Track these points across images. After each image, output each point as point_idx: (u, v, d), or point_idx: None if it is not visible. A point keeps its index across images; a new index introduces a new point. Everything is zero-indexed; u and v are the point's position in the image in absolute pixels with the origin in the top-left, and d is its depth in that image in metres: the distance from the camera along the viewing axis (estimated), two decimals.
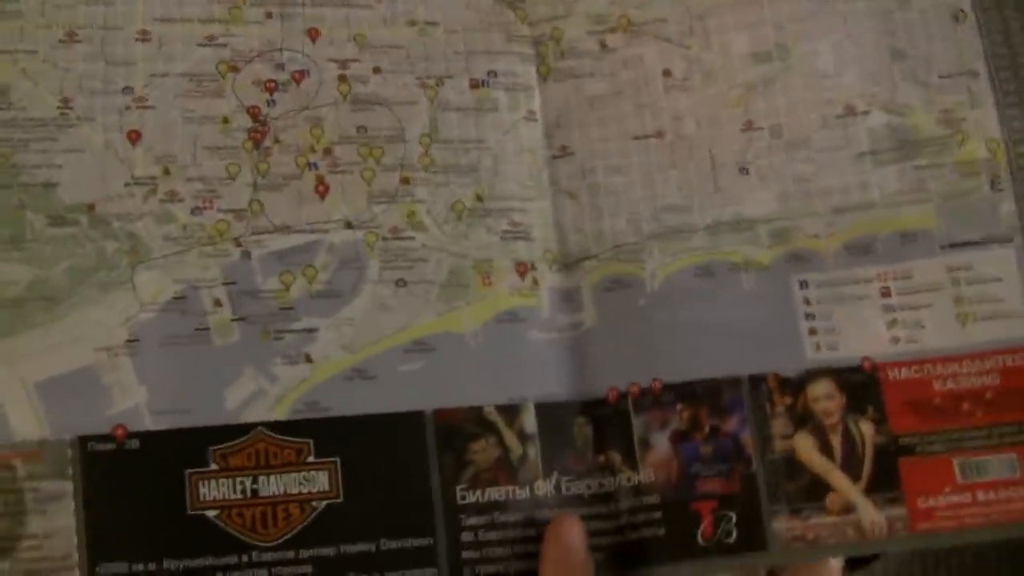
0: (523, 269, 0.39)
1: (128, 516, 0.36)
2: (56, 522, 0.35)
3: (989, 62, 0.41)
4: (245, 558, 0.36)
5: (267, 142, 0.40)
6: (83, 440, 0.36)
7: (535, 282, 0.39)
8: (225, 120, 0.39)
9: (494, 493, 0.37)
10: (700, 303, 0.39)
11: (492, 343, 0.38)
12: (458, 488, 0.37)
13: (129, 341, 0.37)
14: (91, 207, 0.38)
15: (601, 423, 0.39)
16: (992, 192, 0.40)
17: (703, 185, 0.40)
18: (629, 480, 0.38)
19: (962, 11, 0.41)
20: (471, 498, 0.37)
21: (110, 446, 0.36)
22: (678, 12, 0.42)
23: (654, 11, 0.42)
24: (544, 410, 0.38)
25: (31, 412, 0.36)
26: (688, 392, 0.38)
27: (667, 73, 0.41)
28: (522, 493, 0.38)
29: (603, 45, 0.42)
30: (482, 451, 0.38)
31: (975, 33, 0.41)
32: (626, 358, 0.39)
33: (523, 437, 0.38)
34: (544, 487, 0.38)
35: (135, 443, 0.36)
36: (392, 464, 0.37)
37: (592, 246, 0.40)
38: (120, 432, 0.36)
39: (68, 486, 0.36)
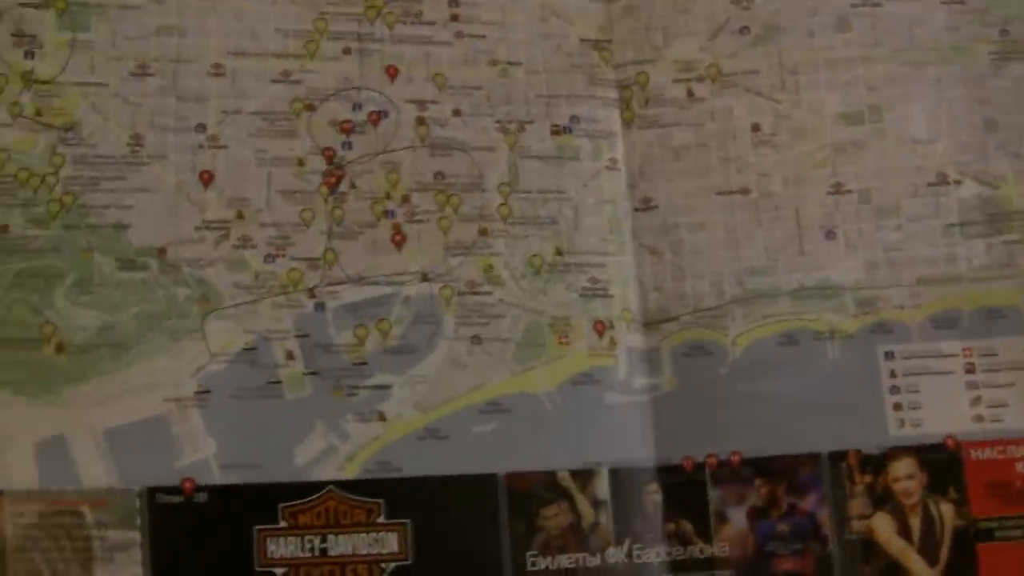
0: (601, 328, 0.38)
1: (195, 570, 0.35)
2: (123, 571, 0.35)
3: None
4: None
5: (343, 187, 0.38)
6: (151, 491, 0.35)
7: (613, 342, 0.38)
8: (300, 162, 0.38)
9: (565, 560, 0.37)
10: (783, 373, 0.38)
11: (568, 405, 0.38)
12: (529, 554, 0.37)
13: (199, 392, 0.36)
14: (162, 251, 0.37)
15: (673, 491, 0.38)
16: None
17: (788, 247, 0.39)
18: (702, 552, 0.38)
19: None
20: (542, 564, 0.37)
21: (178, 499, 0.35)
22: (770, 65, 0.40)
23: (745, 62, 0.40)
24: (618, 476, 0.38)
25: (100, 459, 0.36)
26: (767, 468, 0.38)
27: (755, 127, 0.40)
28: (593, 560, 0.37)
29: (690, 94, 0.40)
30: (554, 517, 0.37)
31: None
32: (704, 427, 0.38)
33: (595, 503, 0.37)
34: (616, 554, 0.37)
35: (203, 496, 0.36)
36: (463, 527, 0.37)
37: (673, 307, 0.39)
38: (188, 485, 0.36)
39: (135, 536, 0.35)
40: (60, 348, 0.36)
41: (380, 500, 0.37)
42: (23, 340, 0.36)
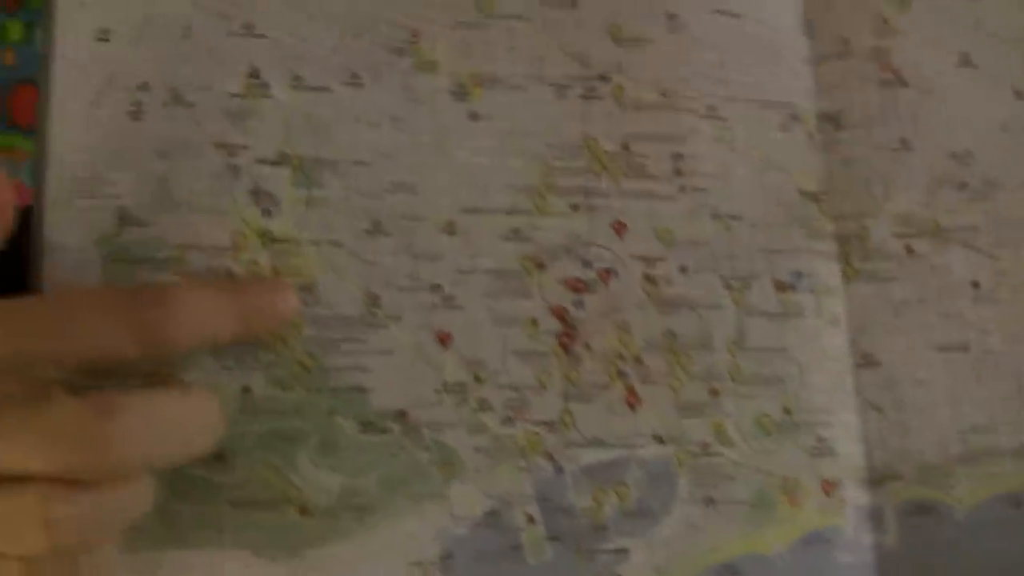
0: (829, 487, 0.39)
1: None
2: None
3: None
4: None
5: (577, 348, 0.38)
6: None
7: (841, 501, 0.39)
8: (533, 323, 0.38)
9: None
10: (1009, 535, 0.39)
11: (799, 565, 0.38)
12: None
13: (443, 557, 0.37)
14: (403, 414, 0.37)
15: None
16: None
17: (1009, 405, 0.40)
18: None
19: None
20: None
21: None
22: (989, 221, 0.41)
23: (965, 218, 0.41)
24: None
25: None
26: None
27: (975, 284, 0.40)
28: None
29: (909, 250, 0.41)
30: None
31: None
32: None
33: None
34: None
35: None
36: None
37: (897, 464, 0.39)
38: None
39: None
40: (303, 511, 0.37)
41: None
42: (266, 502, 0.36)
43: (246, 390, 0.37)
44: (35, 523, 0.29)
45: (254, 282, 0.37)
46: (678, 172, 0.40)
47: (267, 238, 0.37)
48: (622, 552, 0.38)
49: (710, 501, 0.38)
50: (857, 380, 0.40)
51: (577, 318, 0.39)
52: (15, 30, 0.40)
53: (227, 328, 0.34)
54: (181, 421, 0.32)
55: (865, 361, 0.40)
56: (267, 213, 0.38)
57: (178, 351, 0.33)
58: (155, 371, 0.36)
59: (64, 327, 0.31)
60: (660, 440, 0.39)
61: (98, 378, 0.33)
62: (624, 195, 0.40)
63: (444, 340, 0.38)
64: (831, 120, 0.42)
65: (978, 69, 0.42)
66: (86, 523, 0.30)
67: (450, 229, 0.39)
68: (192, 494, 0.36)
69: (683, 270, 0.40)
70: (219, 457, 0.36)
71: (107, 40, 0.38)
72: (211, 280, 0.37)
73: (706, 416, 0.39)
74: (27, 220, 0.36)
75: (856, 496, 0.39)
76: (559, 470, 0.38)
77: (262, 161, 0.38)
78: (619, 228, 0.40)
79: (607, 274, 0.39)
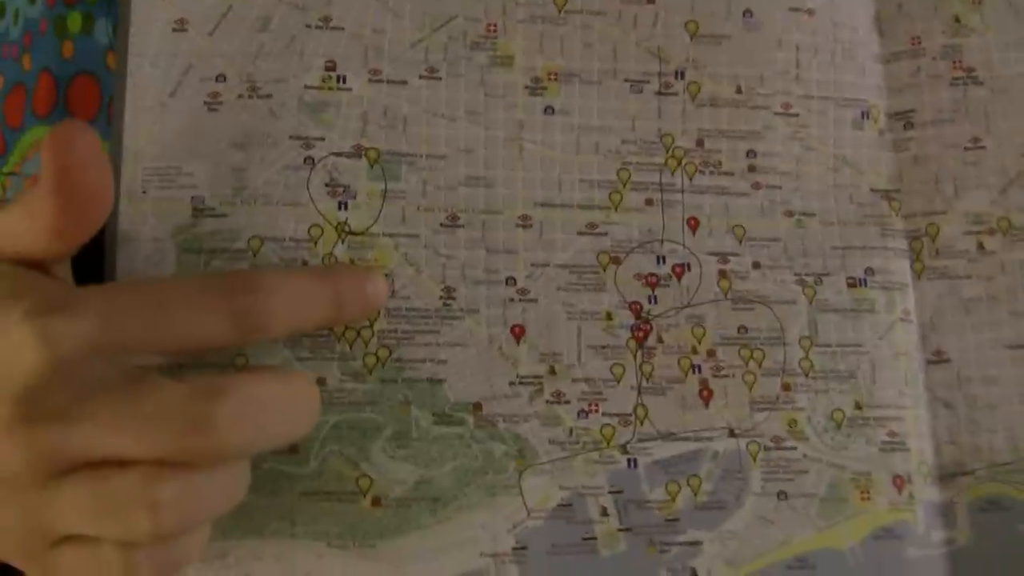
0: (900, 483, 0.39)
1: None
2: None
3: None
4: None
5: (651, 342, 0.39)
6: None
7: (911, 496, 0.39)
8: (608, 316, 0.39)
9: None
10: None
11: (870, 561, 0.38)
12: None
13: (516, 548, 0.37)
14: (477, 406, 0.38)
15: None
16: None
17: None
18: None
19: None
20: None
21: None
22: None
23: None
24: None
25: None
26: None
27: None
28: None
29: (980, 246, 0.41)
30: None
31: None
32: None
33: None
34: None
35: None
36: None
37: (968, 461, 0.39)
38: None
39: None
40: (376, 501, 0.37)
41: None
42: (339, 493, 0.37)
43: (321, 381, 0.37)
44: (140, 506, 0.29)
45: (345, 269, 0.37)
46: (752, 168, 0.41)
47: (343, 231, 0.38)
48: (695, 545, 0.38)
49: (782, 495, 0.39)
50: (928, 377, 0.40)
51: (651, 312, 0.39)
52: (75, 21, 0.41)
53: (320, 314, 0.34)
54: (283, 405, 0.32)
55: (936, 358, 0.40)
56: (343, 206, 0.38)
57: (273, 337, 0.33)
58: (231, 360, 0.36)
59: (164, 314, 0.31)
60: (733, 433, 0.39)
61: (181, 364, 0.34)
62: (698, 191, 0.40)
63: (518, 333, 0.38)
64: (902, 118, 0.42)
65: None
66: (189, 507, 0.30)
67: (525, 223, 0.39)
68: (265, 485, 0.36)
69: (756, 266, 0.40)
70: (292, 448, 0.37)
71: (184, 31, 0.38)
72: (303, 267, 0.37)
73: (779, 410, 0.39)
74: None
75: (927, 492, 0.40)
76: (632, 463, 0.38)
77: (338, 154, 0.38)
78: (693, 224, 0.40)
79: (681, 269, 0.39)
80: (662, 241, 0.39)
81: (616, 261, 0.39)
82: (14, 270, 0.32)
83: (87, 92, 0.42)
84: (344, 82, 0.38)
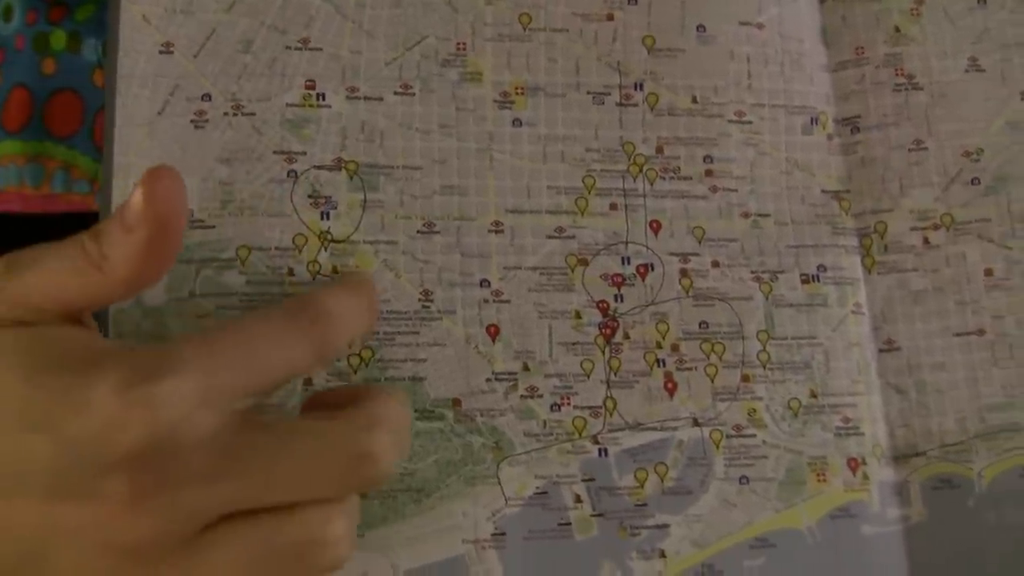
0: (855, 465, 0.41)
1: None
2: None
3: None
4: None
5: (618, 338, 0.41)
6: None
7: (866, 477, 0.41)
8: (577, 315, 0.41)
9: None
10: None
11: (828, 539, 0.41)
12: None
13: (495, 535, 0.39)
14: (456, 402, 0.40)
15: None
16: None
17: None
18: None
19: None
20: None
21: None
22: (1001, 213, 0.43)
23: (977, 211, 0.44)
24: None
25: None
26: None
27: (988, 272, 0.43)
28: None
29: (926, 241, 0.43)
30: None
31: None
32: (955, 560, 0.41)
33: None
34: None
35: None
36: None
37: (920, 443, 0.42)
38: None
39: None
40: (363, 494, 0.39)
41: None
42: None
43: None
44: (319, 546, 0.30)
45: (352, 278, 0.39)
46: (709, 173, 0.43)
47: (326, 239, 0.40)
48: (663, 528, 0.40)
49: (744, 479, 0.41)
50: (880, 365, 0.43)
51: (618, 311, 0.41)
52: (59, 39, 0.43)
53: (366, 323, 0.37)
54: (408, 425, 0.34)
55: (887, 347, 0.43)
56: (325, 216, 0.40)
57: (338, 356, 0.36)
58: None
59: (255, 357, 0.30)
60: (696, 423, 0.41)
61: None
62: (659, 195, 0.43)
63: (493, 332, 0.40)
64: (849, 123, 0.45)
65: (986, 72, 0.45)
66: (354, 533, 0.32)
67: (497, 228, 0.41)
68: None
69: (716, 265, 0.42)
70: None
71: (171, 53, 0.41)
72: (332, 283, 0.39)
73: (739, 400, 0.41)
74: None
75: (881, 473, 0.42)
76: (603, 452, 0.40)
77: (320, 167, 0.41)
78: (655, 226, 0.42)
79: (645, 269, 0.42)
80: (626, 243, 0.42)
81: (584, 263, 0.41)
82: (64, 333, 0.30)
83: (69, 108, 0.44)
84: (323, 99, 0.41)
